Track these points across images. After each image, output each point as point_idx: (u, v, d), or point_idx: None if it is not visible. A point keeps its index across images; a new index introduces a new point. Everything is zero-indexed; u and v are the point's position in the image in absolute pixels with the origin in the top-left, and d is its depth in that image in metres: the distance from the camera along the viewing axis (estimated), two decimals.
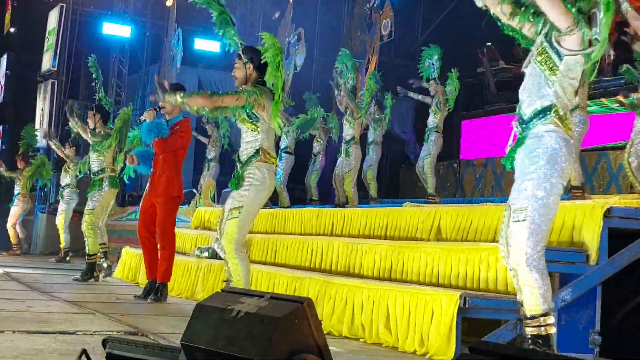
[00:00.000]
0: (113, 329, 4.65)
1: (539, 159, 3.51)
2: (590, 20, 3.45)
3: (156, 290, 6.70)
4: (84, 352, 3.08)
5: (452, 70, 10.15)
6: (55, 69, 18.03)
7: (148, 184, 6.99)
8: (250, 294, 2.98)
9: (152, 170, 6.92)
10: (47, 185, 14.99)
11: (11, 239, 13.94)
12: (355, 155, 10.30)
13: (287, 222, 8.58)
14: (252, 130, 5.17)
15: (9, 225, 13.92)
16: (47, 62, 18.59)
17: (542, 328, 3.57)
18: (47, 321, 4.83)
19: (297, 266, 6.84)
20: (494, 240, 5.49)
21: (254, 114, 5.14)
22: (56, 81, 18.03)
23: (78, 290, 7.40)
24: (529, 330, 3.60)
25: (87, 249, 8.41)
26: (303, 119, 11.21)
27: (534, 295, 3.55)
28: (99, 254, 8.48)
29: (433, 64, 10.23)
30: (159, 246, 6.85)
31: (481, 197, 12.11)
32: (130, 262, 9.11)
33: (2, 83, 25.64)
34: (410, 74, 11.09)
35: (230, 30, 5.37)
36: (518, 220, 3.52)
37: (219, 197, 12.21)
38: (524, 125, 3.60)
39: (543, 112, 3.54)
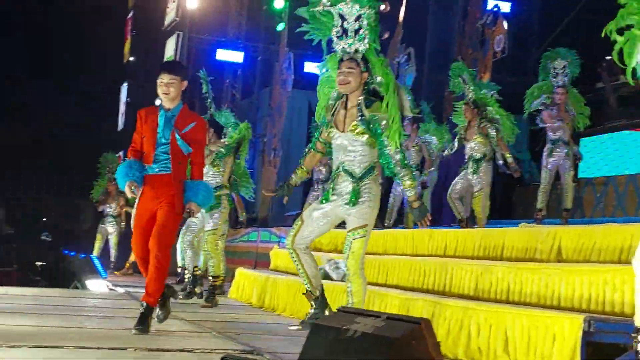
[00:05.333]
0: (229, 347, 4.68)
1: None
2: None
3: None
4: None
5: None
6: None
7: None
8: (366, 314, 2.93)
9: None
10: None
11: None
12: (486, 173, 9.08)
13: (397, 242, 8.48)
14: (368, 144, 5.11)
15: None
16: None
17: None
18: (169, 340, 4.95)
19: (409, 287, 6.73)
20: (619, 261, 5.25)
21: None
22: None
23: (194, 309, 7.53)
24: None
25: (211, 270, 8.05)
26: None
27: None
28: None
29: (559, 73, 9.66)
30: None
31: (603, 217, 11.61)
32: (244, 283, 9.23)
33: (123, 111, 26.80)
34: (524, 92, 10.55)
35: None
36: None
37: None
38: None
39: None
